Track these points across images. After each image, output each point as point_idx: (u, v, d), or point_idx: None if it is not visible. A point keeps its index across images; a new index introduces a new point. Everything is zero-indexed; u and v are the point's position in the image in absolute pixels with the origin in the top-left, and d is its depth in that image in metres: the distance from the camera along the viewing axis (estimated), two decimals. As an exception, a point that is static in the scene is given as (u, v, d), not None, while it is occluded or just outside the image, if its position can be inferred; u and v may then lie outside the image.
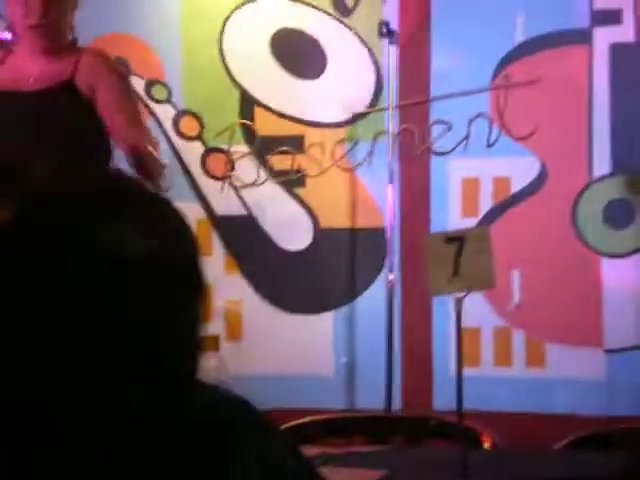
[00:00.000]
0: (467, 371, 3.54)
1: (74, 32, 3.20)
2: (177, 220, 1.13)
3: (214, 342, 3.75)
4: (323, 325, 4.22)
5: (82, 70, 3.07)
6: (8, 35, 3.18)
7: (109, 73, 3.10)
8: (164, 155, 4.25)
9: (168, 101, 4.31)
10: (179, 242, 1.12)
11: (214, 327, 4.09)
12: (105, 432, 1.01)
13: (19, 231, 1.04)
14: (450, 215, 4.12)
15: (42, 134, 2.93)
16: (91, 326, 1.01)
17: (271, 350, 4.21)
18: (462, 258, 3.29)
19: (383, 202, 4.09)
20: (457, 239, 3.34)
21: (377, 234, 4.15)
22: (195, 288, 1.10)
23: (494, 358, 4.07)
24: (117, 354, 1.03)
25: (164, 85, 4.29)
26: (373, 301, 4.13)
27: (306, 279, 4.25)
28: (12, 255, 1.02)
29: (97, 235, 1.04)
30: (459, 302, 3.36)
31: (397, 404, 3.99)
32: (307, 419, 3.25)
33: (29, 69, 3.09)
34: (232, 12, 4.24)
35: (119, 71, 3.23)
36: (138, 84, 4.28)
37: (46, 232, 1.03)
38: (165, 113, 4.31)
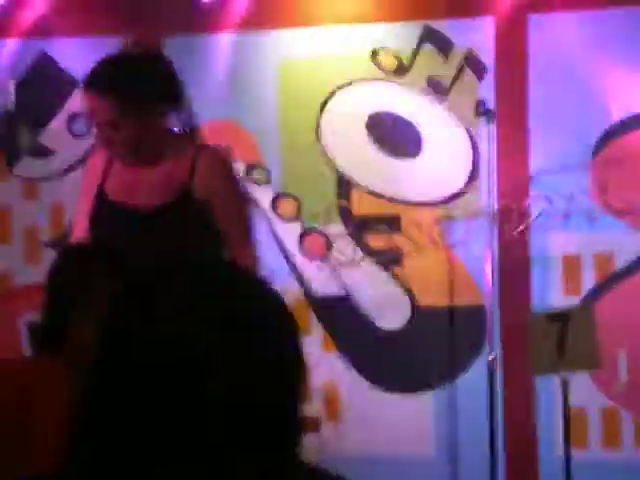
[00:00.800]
0: (574, 453, 3.46)
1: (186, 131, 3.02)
2: (278, 303, 1.14)
3: (314, 423, 3.73)
4: (423, 405, 4.16)
5: (199, 174, 2.90)
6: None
7: (226, 179, 2.96)
8: (262, 236, 4.32)
9: (266, 183, 4.37)
10: (284, 324, 1.14)
11: (314, 408, 4.07)
12: None
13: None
14: (552, 293, 4.05)
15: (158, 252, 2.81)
16: (208, 401, 1.04)
17: (369, 431, 4.16)
18: (566, 337, 3.25)
19: (482, 280, 4.05)
20: (561, 317, 3.31)
21: (476, 312, 4.10)
22: (299, 367, 1.11)
23: (602, 440, 3.95)
24: (232, 429, 1.05)
25: (262, 168, 4.37)
26: (474, 381, 4.06)
27: (404, 358, 4.21)
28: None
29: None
30: (565, 383, 3.31)
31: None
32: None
33: (137, 179, 2.95)
34: (330, 95, 4.31)
35: (235, 175, 3.08)
36: (238, 168, 4.37)
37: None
38: (263, 195, 4.38)
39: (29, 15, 4.34)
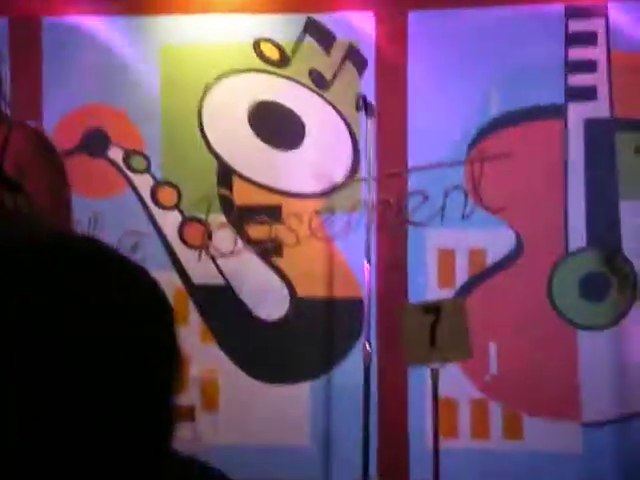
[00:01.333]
0: (444, 443, 3.54)
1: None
2: (152, 288, 1.12)
3: (190, 413, 3.71)
4: (299, 395, 4.19)
5: (11, 150, 2.76)
6: None
7: (42, 157, 2.80)
8: (142, 224, 4.26)
9: (147, 171, 4.32)
10: (154, 312, 1.12)
11: (190, 397, 4.05)
12: None
13: None
14: (427, 286, 4.13)
15: None
16: (70, 403, 1.01)
17: (247, 420, 4.17)
18: (438, 329, 3.31)
19: (360, 272, 4.10)
20: (433, 310, 3.37)
21: (354, 304, 4.15)
22: (170, 357, 1.10)
23: (471, 430, 4.05)
24: (95, 429, 1.03)
25: (143, 155, 4.31)
26: (350, 371, 4.11)
27: (283, 349, 4.23)
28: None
29: (66, 307, 1.04)
30: (435, 373, 3.37)
31: (373, 477, 3.94)
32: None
33: None
34: (212, 84, 4.29)
35: (52, 153, 2.89)
36: (117, 154, 4.31)
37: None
38: (143, 183, 4.33)
39: None
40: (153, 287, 1.12)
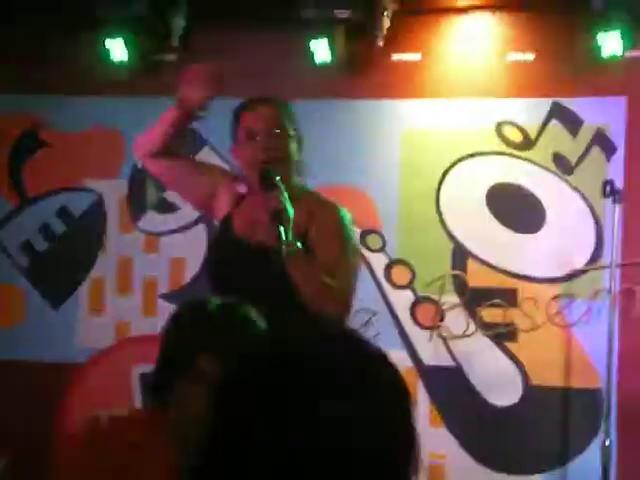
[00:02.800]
0: None
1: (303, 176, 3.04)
2: (393, 372, 1.12)
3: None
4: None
5: (315, 227, 2.89)
6: (243, 188, 3.13)
7: (337, 237, 2.91)
8: (375, 302, 4.30)
9: (381, 249, 4.37)
10: (399, 401, 1.12)
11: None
12: None
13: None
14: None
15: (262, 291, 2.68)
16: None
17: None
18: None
19: (600, 363, 3.95)
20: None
21: (592, 396, 4.00)
22: (410, 443, 1.10)
23: None
24: None
25: (379, 234, 4.37)
26: (587, 466, 3.95)
27: (514, 437, 4.12)
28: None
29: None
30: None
31: None
32: None
33: (256, 216, 2.93)
34: (451, 166, 4.31)
35: (347, 235, 2.99)
36: (355, 233, 4.38)
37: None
38: (378, 261, 4.37)
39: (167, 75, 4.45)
40: (398, 373, 1.13)
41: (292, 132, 2.99)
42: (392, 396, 1.12)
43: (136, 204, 4.54)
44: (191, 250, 4.42)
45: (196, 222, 4.44)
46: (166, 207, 4.47)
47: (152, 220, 4.51)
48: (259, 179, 2.90)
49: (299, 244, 2.83)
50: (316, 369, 1.09)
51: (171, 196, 4.44)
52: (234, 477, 1.05)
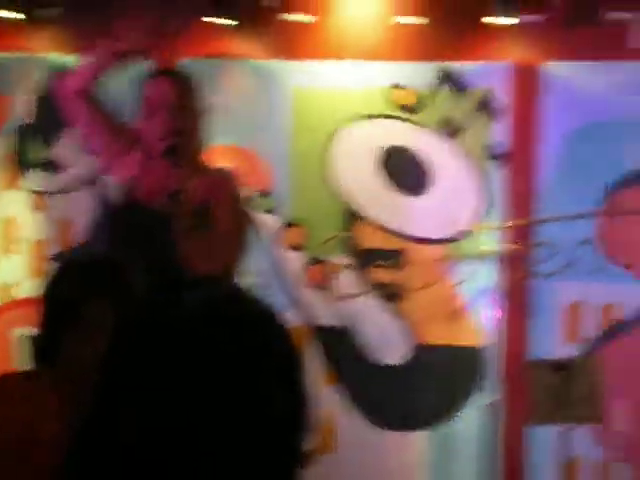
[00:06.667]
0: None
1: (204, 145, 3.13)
2: (278, 325, 1.14)
3: (310, 456, 3.71)
4: (417, 443, 4.15)
5: (214, 201, 3.01)
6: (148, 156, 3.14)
7: (233, 201, 3.05)
8: (266, 263, 4.31)
9: (274, 211, 4.38)
10: (284, 356, 1.13)
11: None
12: None
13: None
14: (552, 341, 4.05)
15: (157, 252, 2.86)
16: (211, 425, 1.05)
17: (363, 466, 4.16)
18: (570, 388, 3.24)
19: (484, 322, 4.06)
20: (564, 367, 3.30)
21: (476, 354, 4.11)
22: (302, 403, 1.12)
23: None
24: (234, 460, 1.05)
25: (271, 196, 4.37)
26: (470, 423, 4.06)
27: (402, 395, 4.21)
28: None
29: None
30: (565, 434, 3.30)
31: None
32: None
33: (153, 183, 3.04)
34: (342, 127, 4.32)
35: (242, 208, 3.15)
36: (250, 193, 4.38)
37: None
38: (271, 222, 4.38)
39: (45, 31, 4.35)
40: (288, 331, 1.16)
41: (195, 106, 3.00)
42: (282, 355, 1.13)
43: (20, 162, 4.44)
44: (78, 212, 4.35)
45: (84, 184, 4.36)
46: (51, 167, 4.38)
47: (37, 179, 4.41)
48: (162, 154, 2.92)
49: (197, 219, 2.88)
50: (206, 324, 1.08)
51: (57, 156, 4.37)
52: (125, 425, 1.05)
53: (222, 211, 2.99)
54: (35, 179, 4.42)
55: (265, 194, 4.37)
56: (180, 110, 3.02)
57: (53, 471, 1.13)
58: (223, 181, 3.09)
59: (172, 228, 2.93)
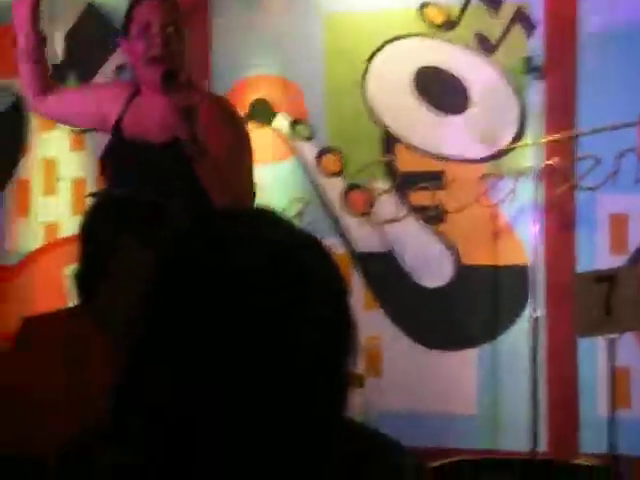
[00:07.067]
0: (616, 414, 3.46)
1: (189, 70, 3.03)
2: (328, 260, 1.13)
3: (358, 380, 3.75)
4: (465, 362, 4.17)
5: (210, 125, 2.88)
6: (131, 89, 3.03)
7: (225, 127, 2.93)
8: (306, 191, 4.31)
9: (311, 139, 4.36)
10: (329, 282, 1.14)
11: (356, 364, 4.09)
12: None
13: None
14: (597, 253, 4.02)
15: (166, 186, 2.77)
16: (266, 344, 1.04)
17: (411, 387, 4.18)
18: (613, 299, 3.23)
19: (527, 239, 4.03)
20: (607, 278, 3.29)
21: (521, 271, 4.09)
22: (348, 328, 1.11)
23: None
24: (274, 393, 1.04)
25: (307, 124, 4.35)
26: (517, 339, 4.06)
27: (447, 316, 4.21)
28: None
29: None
30: (612, 344, 3.30)
31: (542, 445, 3.89)
32: (452, 459, 3.20)
33: (153, 115, 2.95)
34: (375, 51, 4.28)
35: (242, 124, 3.07)
36: (282, 123, 4.36)
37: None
38: (308, 151, 4.37)
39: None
40: (331, 256, 1.14)
41: (183, 31, 2.95)
42: (327, 283, 1.12)
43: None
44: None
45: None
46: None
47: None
48: (160, 77, 2.86)
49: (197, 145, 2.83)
50: (252, 252, 1.08)
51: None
52: (173, 355, 1.05)
53: (220, 136, 2.88)
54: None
55: (300, 122, 4.36)
56: (174, 32, 2.92)
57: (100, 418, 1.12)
58: (220, 104, 3.02)
59: (190, 161, 2.83)
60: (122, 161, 2.95)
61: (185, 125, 2.79)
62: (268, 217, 1.15)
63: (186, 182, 2.82)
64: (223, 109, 3.00)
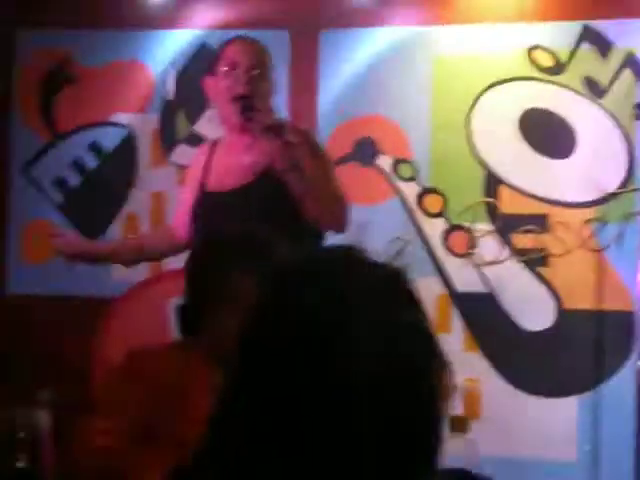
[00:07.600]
0: None
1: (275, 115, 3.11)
2: (414, 302, 1.12)
3: (461, 423, 3.71)
4: (566, 409, 4.10)
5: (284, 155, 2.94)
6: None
7: (313, 155, 3.00)
8: (406, 231, 4.31)
9: (413, 179, 4.37)
10: (419, 323, 1.12)
11: (455, 407, 4.06)
12: None
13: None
14: None
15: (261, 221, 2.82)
16: (354, 406, 1.03)
17: (510, 432, 4.12)
18: None
19: (632, 285, 3.96)
20: None
21: (625, 318, 4.01)
22: (438, 363, 1.11)
23: None
24: (372, 432, 1.04)
25: (410, 163, 4.36)
26: (620, 388, 3.98)
27: (548, 361, 4.15)
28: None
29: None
30: None
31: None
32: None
33: (237, 157, 3.04)
34: (482, 92, 4.27)
35: (321, 150, 3.12)
36: (386, 162, 4.38)
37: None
38: (410, 190, 4.37)
39: (187, 8, 4.45)
40: (420, 301, 1.14)
41: (270, 75, 3.01)
42: (419, 329, 1.12)
43: (167, 138, 4.56)
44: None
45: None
46: (196, 139, 4.48)
47: (183, 153, 4.52)
48: (240, 110, 2.94)
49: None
50: (348, 289, 1.09)
51: (201, 128, 4.47)
52: (270, 393, 1.06)
53: (308, 162, 2.95)
54: (182, 153, 4.53)
55: (403, 161, 4.37)
56: (259, 75, 3.00)
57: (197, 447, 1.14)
58: (304, 134, 3.07)
59: (287, 194, 2.91)
60: (208, 210, 3.04)
61: (284, 153, 2.86)
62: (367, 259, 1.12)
63: (280, 212, 2.89)
64: (306, 137, 3.06)
